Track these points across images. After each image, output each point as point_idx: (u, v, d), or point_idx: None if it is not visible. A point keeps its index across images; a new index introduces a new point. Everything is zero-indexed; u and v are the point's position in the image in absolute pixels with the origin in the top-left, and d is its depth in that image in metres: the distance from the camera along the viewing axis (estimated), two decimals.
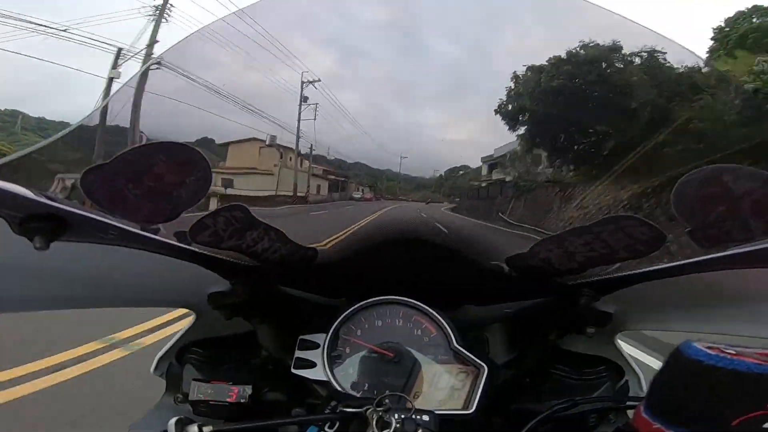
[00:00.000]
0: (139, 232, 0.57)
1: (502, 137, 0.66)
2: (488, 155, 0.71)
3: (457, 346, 0.81)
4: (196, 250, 0.66)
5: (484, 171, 0.72)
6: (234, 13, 0.58)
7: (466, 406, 0.77)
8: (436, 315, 0.84)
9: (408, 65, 0.66)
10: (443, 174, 0.73)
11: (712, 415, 0.38)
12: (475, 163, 0.71)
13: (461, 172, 0.73)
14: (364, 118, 0.65)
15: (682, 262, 0.56)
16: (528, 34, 0.67)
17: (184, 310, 0.90)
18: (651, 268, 0.61)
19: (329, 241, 0.77)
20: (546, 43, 0.64)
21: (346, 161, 0.75)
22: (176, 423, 0.63)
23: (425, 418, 0.62)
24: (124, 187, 0.52)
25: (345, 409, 0.66)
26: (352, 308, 0.85)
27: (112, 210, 0.52)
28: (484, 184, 0.74)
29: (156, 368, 0.92)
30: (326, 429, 0.64)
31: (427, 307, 0.85)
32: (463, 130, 0.69)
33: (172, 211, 0.57)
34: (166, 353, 0.91)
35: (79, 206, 0.49)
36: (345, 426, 0.65)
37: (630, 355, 0.86)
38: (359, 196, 0.79)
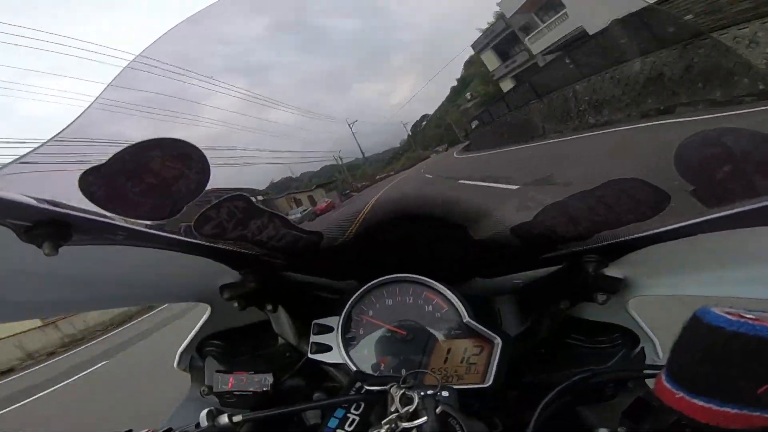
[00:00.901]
0: (145, 230, 0.57)
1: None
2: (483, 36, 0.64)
3: (470, 320, 0.81)
4: (203, 243, 0.66)
5: (493, 63, 0.67)
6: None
7: (483, 380, 0.78)
8: (446, 290, 0.84)
9: (318, 56, 0.63)
10: (410, 132, 0.71)
11: (737, 384, 0.37)
12: (432, 106, 0.68)
13: (424, 123, 0.71)
14: (303, 120, 0.64)
15: (688, 222, 0.55)
16: None
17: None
18: (657, 231, 0.60)
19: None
20: None
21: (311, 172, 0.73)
22: (207, 414, 0.66)
23: (445, 393, 0.62)
24: (124, 186, 0.52)
25: (369, 388, 0.66)
26: (362, 289, 0.86)
27: (114, 210, 0.53)
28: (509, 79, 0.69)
29: (179, 363, 0.95)
30: (352, 410, 0.65)
31: (436, 283, 0.85)
32: (405, 86, 0.66)
33: (174, 206, 0.57)
34: (187, 347, 0.94)
35: (82, 209, 0.50)
36: (370, 406, 0.66)
37: None
38: (300, 213, 0.76)
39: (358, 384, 0.69)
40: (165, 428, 0.70)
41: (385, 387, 0.64)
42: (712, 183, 0.51)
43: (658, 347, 0.82)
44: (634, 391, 0.78)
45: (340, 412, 0.65)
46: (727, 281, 0.63)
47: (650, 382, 0.56)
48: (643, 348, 0.83)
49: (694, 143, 0.50)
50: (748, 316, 0.37)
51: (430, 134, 0.72)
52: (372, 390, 0.66)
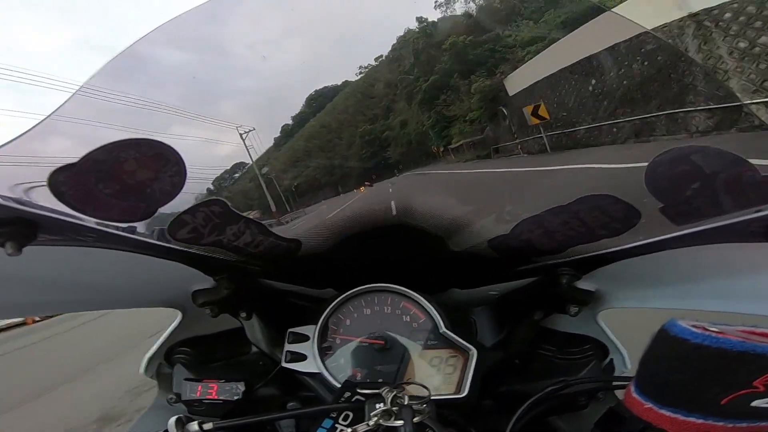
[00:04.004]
0: (115, 232, 0.55)
1: None
2: None
3: (446, 331, 0.81)
4: (177, 247, 0.64)
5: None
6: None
7: (458, 390, 0.78)
8: (423, 300, 0.84)
9: (133, 85, 0.60)
10: (212, 186, 0.71)
11: (702, 395, 0.38)
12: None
13: (237, 174, 0.72)
14: None
15: (656, 239, 0.57)
16: None
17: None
18: (627, 246, 0.62)
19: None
20: None
21: None
22: (176, 422, 0.63)
23: (422, 405, 0.62)
24: (95, 186, 0.50)
25: (363, 391, 0.66)
26: (340, 298, 0.85)
27: (84, 211, 0.51)
28: None
29: (146, 369, 0.91)
30: (341, 421, 0.64)
31: (413, 293, 0.85)
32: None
33: (147, 208, 0.55)
34: (155, 354, 0.90)
35: (50, 209, 0.48)
36: (358, 416, 0.64)
37: None
38: None
39: (348, 393, 0.67)
40: None
41: (377, 390, 0.64)
42: (680, 200, 0.53)
43: (627, 358, 0.84)
44: (605, 402, 0.79)
45: (328, 423, 0.64)
46: (693, 295, 0.66)
47: (620, 393, 0.57)
48: (612, 359, 0.85)
49: (664, 161, 0.53)
50: (712, 329, 0.38)
51: (239, 188, 0.72)
52: (361, 397, 0.65)
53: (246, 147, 0.69)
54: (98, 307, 0.80)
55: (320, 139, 0.81)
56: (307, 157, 0.82)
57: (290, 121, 0.71)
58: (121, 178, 0.52)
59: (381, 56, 0.73)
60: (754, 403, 0.37)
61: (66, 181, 0.48)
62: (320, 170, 0.85)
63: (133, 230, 0.58)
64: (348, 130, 0.83)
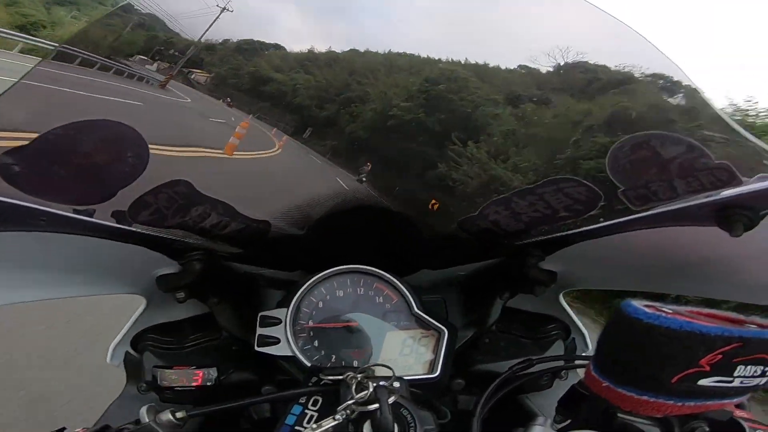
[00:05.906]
0: (71, 216, 0.52)
1: None
2: None
3: (418, 312, 0.83)
4: (138, 230, 0.62)
5: None
6: None
7: (430, 370, 0.79)
8: (396, 281, 0.85)
9: None
10: None
11: (653, 373, 0.40)
12: None
13: None
14: None
15: (615, 221, 0.59)
16: None
17: None
18: (588, 228, 0.65)
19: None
20: None
21: None
22: (147, 411, 0.61)
23: (396, 384, 0.62)
24: (49, 168, 0.48)
25: (326, 378, 0.65)
26: (312, 280, 0.84)
27: (37, 194, 0.48)
28: None
29: (112, 358, 0.88)
30: (310, 406, 0.63)
31: (386, 274, 0.86)
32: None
33: (106, 190, 0.53)
34: (121, 342, 0.87)
35: None
36: (328, 401, 0.64)
37: None
38: None
39: (315, 378, 0.67)
40: (101, 425, 0.65)
41: (341, 377, 0.63)
42: (639, 185, 0.55)
43: (587, 338, 0.88)
44: (568, 380, 0.83)
45: (297, 409, 0.63)
46: (650, 277, 0.68)
47: (582, 372, 0.60)
48: (574, 339, 0.88)
49: (624, 146, 0.54)
50: (665, 309, 0.40)
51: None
52: (328, 381, 0.65)
53: None
54: (55, 295, 0.76)
55: (339, 63, 0.69)
56: (298, 66, 0.70)
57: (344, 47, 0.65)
58: (77, 161, 0.49)
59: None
60: (701, 382, 0.39)
61: (15, 163, 0.45)
62: (290, 90, 0.71)
63: (90, 213, 0.55)
64: (373, 83, 0.71)
